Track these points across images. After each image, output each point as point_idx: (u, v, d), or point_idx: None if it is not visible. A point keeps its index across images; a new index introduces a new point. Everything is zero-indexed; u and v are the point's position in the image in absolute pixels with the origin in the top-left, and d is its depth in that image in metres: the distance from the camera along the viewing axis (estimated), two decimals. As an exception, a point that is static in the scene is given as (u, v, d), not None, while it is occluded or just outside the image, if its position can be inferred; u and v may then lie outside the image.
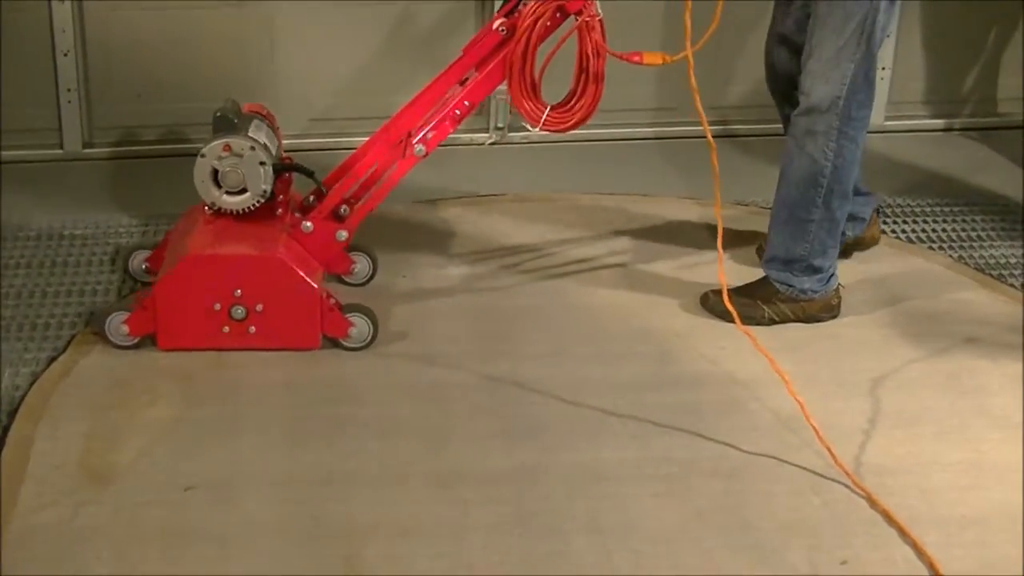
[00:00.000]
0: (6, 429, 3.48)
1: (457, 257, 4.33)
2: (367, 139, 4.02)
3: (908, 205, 4.75)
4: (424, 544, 3.16)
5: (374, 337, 3.85)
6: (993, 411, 3.70)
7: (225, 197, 3.81)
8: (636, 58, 3.69)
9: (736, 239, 4.43)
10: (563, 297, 4.15)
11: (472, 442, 3.50)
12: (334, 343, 3.84)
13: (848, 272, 4.31)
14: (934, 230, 4.63)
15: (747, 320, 3.82)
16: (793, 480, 3.41)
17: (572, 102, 3.73)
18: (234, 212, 3.83)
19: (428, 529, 3.20)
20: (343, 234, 3.86)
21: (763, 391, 3.72)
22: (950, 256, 4.46)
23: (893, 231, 4.61)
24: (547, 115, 3.73)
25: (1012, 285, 4.32)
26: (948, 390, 3.78)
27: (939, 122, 5.34)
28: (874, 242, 4.43)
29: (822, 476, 3.42)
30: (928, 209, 4.75)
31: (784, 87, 4.05)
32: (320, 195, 3.90)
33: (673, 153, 5.11)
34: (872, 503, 3.28)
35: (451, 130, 3.82)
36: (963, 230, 4.64)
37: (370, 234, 4.13)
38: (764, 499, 3.34)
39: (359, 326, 3.84)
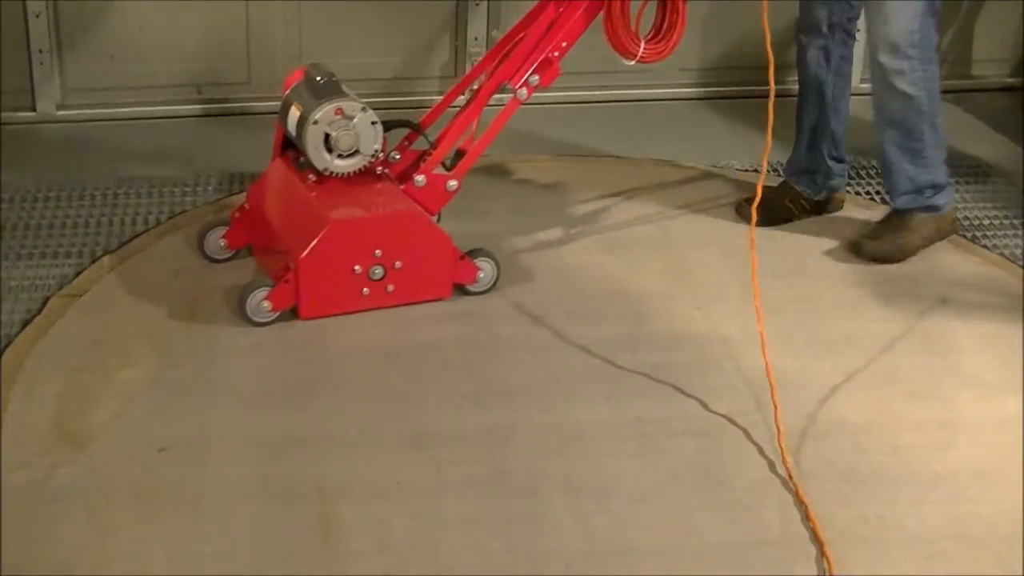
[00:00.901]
0: (-20, 391, 3.49)
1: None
2: (460, 82, 4.10)
3: (876, 166, 4.75)
4: (398, 504, 3.16)
5: (497, 279, 3.92)
6: (965, 370, 3.73)
7: (337, 161, 3.80)
8: None
9: (713, 202, 4.45)
10: (538, 259, 4.16)
11: (446, 402, 3.51)
12: (462, 291, 3.91)
13: (823, 234, 4.33)
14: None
15: (901, 254, 4.16)
16: (766, 439, 3.42)
17: (662, 32, 3.85)
18: (341, 175, 3.82)
19: (402, 489, 3.21)
20: (453, 184, 3.89)
21: (737, 351, 3.74)
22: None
23: (868, 192, 4.62)
24: (643, 49, 3.83)
25: (985, 246, 4.34)
26: (921, 350, 3.80)
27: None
28: (840, 205, 4.47)
29: (795, 435, 3.43)
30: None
31: (822, 32, 4.17)
32: (406, 150, 3.98)
33: (645, 115, 5.11)
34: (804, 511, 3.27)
35: (557, 73, 3.86)
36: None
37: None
38: (737, 458, 3.36)
39: (486, 270, 3.92)
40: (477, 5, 4.96)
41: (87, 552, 2.99)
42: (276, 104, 4.83)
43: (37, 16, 4.73)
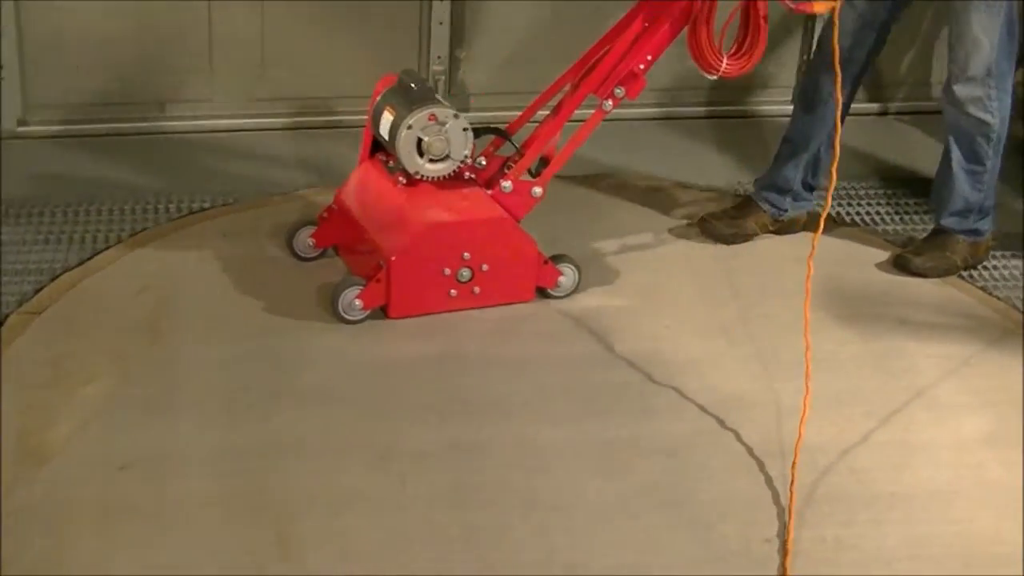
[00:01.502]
0: (-60, 407, 3.46)
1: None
2: (545, 92, 4.16)
3: (844, 187, 4.79)
4: (361, 518, 3.16)
5: (578, 285, 4.03)
6: (921, 391, 3.75)
7: (428, 165, 3.88)
8: (808, 7, 3.81)
9: (680, 220, 4.50)
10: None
11: (410, 416, 3.51)
12: (544, 294, 4.01)
13: (782, 253, 4.36)
14: (867, 212, 4.68)
15: (942, 272, 4.28)
16: (729, 458, 3.44)
17: (743, 48, 3.91)
18: (431, 179, 3.90)
19: (365, 502, 3.21)
20: (538, 191, 3.99)
21: (702, 371, 3.76)
22: (883, 238, 4.51)
23: (832, 213, 4.65)
24: (725, 63, 3.91)
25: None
26: (879, 370, 3.83)
27: (874, 106, 5.41)
28: (804, 226, 4.51)
29: (758, 454, 3.45)
30: (863, 191, 4.80)
31: (860, 65, 4.25)
32: (491, 156, 4.07)
33: (608, 134, 5.13)
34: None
35: (643, 85, 3.96)
36: (896, 212, 4.70)
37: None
38: (700, 477, 3.37)
39: (568, 275, 4.02)
40: (441, 24, 4.97)
41: (48, 569, 2.98)
42: (238, 121, 4.90)
43: (-1, 32, 4.72)
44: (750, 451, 3.46)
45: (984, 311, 4.16)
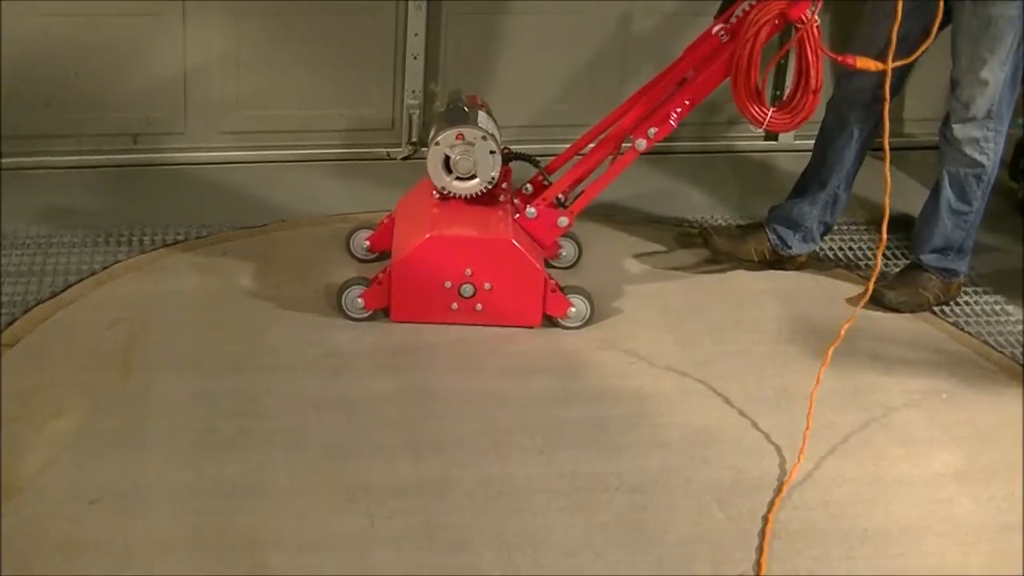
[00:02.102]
0: (-93, 441, 3.44)
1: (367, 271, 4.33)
2: (588, 132, 4.26)
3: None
4: (330, 557, 3.15)
5: (590, 317, 4.05)
6: (894, 427, 3.77)
7: (455, 183, 4.04)
8: (851, 61, 3.84)
9: (650, 255, 4.50)
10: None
11: (379, 455, 3.50)
12: (552, 322, 4.06)
13: (755, 288, 4.38)
14: (841, 248, 4.69)
15: (915, 307, 4.31)
16: (698, 495, 3.44)
17: (794, 103, 3.92)
18: (462, 197, 4.02)
19: (334, 542, 3.20)
20: (564, 220, 4.12)
21: (671, 406, 3.76)
22: (856, 274, 4.52)
23: (839, 254, 4.68)
24: (771, 117, 3.93)
25: (914, 304, 4.40)
26: (851, 406, 3.84)
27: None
28: (801, 266, 4.54)
29: (727, 491, 3.45)
30: (843, 227, 4.80)
31: (865, 101, 4.22)
32: (539, 184, 4.21)
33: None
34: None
35: (673, 127, 4.04)
36: (870, 248, 4.71)
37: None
38: (669, 513, 3.37)
39: (578, 307, 4.07)
40: (415, 59, 4.98)
41: (14, 605, 2.97)
42: (212, 155, 4.90)
43: (-29, 64, 4.70)
44: (719, 487, 3.46)
45: (955, 347, 4.17)
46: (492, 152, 4.01)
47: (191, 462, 3.43)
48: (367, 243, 4.33)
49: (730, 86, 3.94)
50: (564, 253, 4.39)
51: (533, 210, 4.09)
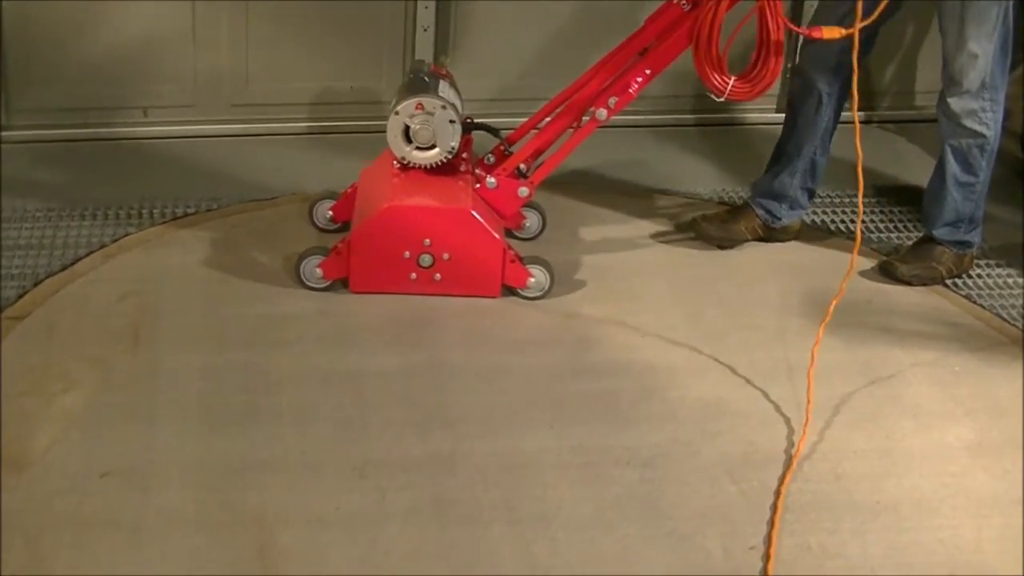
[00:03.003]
0: (-83, 416, 3.44)
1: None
2: (549, 103, 4.21)
3: (828, 195, 4.79)
4: (340, 532, 3.15)
5: (551, 288, 4.04)
6: (905, 400, 3.76)
7: (415, 152, 4.02)
8: (816, 32, 3.84)
9: (662, 230, 4.49)
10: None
11: (388, 430, 3.50)
12: (512, 292, 4.05)
13: (766, 261, 4.36)
14: (852, 220, 4.67)
15: (927, 281, 4.30)
16: (709, 468, 3.43)
17: (755, 72, 3.91)
18: (422, 167, 4.00)
19: (344, 517, 3.19)
20: (524, 191, 4.09)
21: (681, 380, 3.75)
22: (868, 247, 4.50)
23: (813, 221, 4.65)
24: (732, 86, 3.90)
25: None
26: (862, 378, 3.83)
27: (859, 114, 5.37)
28: (796, 234, 4.52)
29: (738, 464, 3.44)
30: (847, 199, 4.79)
31: (830, 66, 4.23)
32: (500, 153, 4.19)
33: (598, 142, 5.13)
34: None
35: (633, 97, 4.03)
36: (880, 220, 4.70)
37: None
38: (680, 487, 3.37)
39: (538, 277, 4.05)
40: (425, 31, 4.96)
41: (24, 579, 2.96)
42: (221, 128, 4.89)
43: (-18, 37, 4.70)
44: (730, 460, 3.45)
45: (968, 320, 4.16)
46: (452, 122, 3.99)
47: (201, 437, 3.43)
48: (330, 213, 4.32)
49: (692, 55, 3.92)
50: (528, 224, 4.38)
51: (493, 180, 4.06)
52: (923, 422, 3.67)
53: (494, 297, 4.04)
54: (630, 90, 4.00)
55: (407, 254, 3.97)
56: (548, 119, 4.20)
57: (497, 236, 4.01)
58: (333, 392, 3.63)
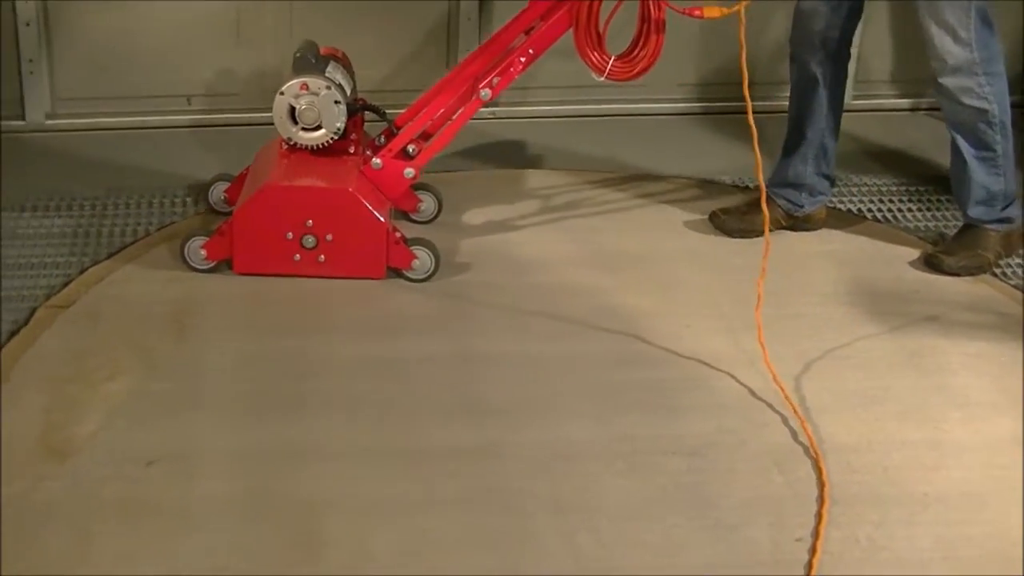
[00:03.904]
0: (-34, 402, 3.46)
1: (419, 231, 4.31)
2: (437, 83, 4.22)
3: (875, 184, 4.76)
4: (385, 520, 3.14)
5: (436, 270, 4.05)
6: (953, 390, 3.72)
7: (301, 133, 4.05)
8: (697, 12, 3.84)
9: (702, 217, 4.47)
10: (527, 275, 4.15)
11: (434, 418, 3.49)
12: (398, 274, 4.04)
13: (811, 250, 4.34)
14: (900, 209, 4.64)
15: (975, 271, 4.24)
16: (756, 458, 3.41)
17: (635, 52, 3.93)
18: (309, 147, 4.03)
19: (390, 505, 3.19)
20: (410, 172, 4.08)
21: (727, 369, 3.73)
22: (914, 235, 4.47)
23: (859, 209, 4.62)
24: (611, 65, 3.93)
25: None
26: (910, 369, 3.79)
27: (906, 102, 5.35)
28: (822, 222, 4.48)
29: (785, 454, 3.42)
30: (894, 188, 4.76)
31: (816, 44, 4.22)
32: (390, 135, 4.17)
33: (640, 129, 5.11)
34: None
35: (515, 76, 4.05)
36: (927, 209, 4.66)
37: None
38: (726, 477, 3.35)
39: (422, 259, 4.05)
40: (468, 20, 4.95)
41: (71, 567, 2.97)
42: (264, 115, 4.87)
43: (27, 24, 4.71)
44: (776, 451, 3.43)
45: (1016, 309, 4.10)
46: (337, 102, 4.00)
47: (246, 424, 3.43)
48: (224, 195, 4.31)
49: (573, 34, 3.93)
50: (423, 207, 4.36)
51: (379, 161, 4.05)
52: (971, 413, 3.63)
53: (379, 279, 4.03)
54: (512, 70, 4.02)
55: (290, 235, 3.96)
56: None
57: (381, 218, 3.99)
58: (379, 379, 3.63)
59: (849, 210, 4.61)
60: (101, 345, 3.70)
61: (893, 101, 5.29)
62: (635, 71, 3.97)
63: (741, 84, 3.73)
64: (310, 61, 4.05)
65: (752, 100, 4.97)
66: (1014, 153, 4.25)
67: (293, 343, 3.75)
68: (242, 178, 4.25)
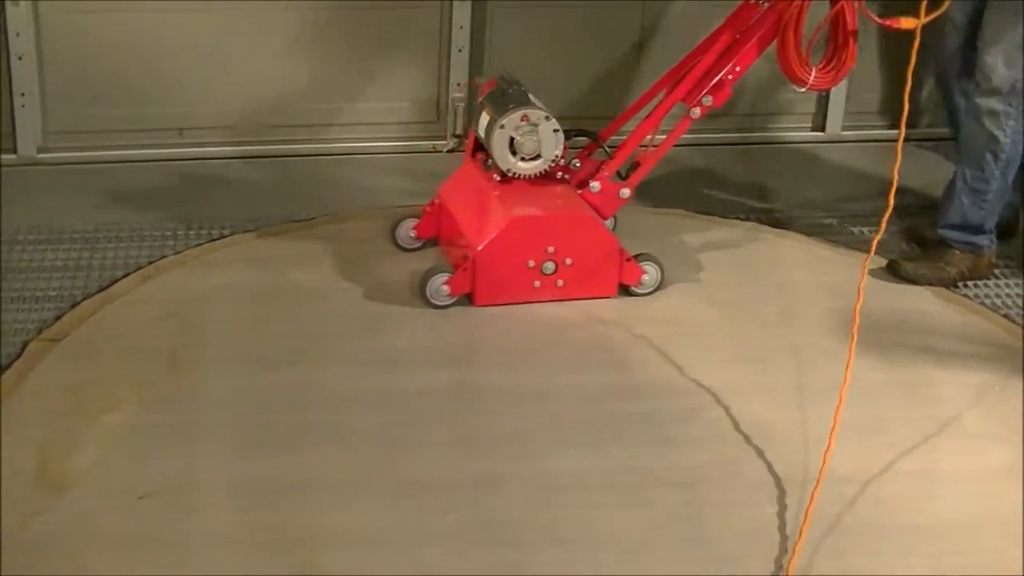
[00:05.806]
0: (-39, 436, 3.45)
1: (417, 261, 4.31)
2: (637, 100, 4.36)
3: (863, 214, 4.77)
4: (384, 553, 3.14)
5: (661, 282, 4.17)
6: (947, 421, 3.72)
7: (520, 164, 4.08)
8: (895, 23, 3.86)
9: (702, 249, 4.47)
10: (525, 307, 4.14)
11: (433, 450, 3.49)
12: (626, 290, 4.15)
13: (808, 281, 4.34)
14: (884, 239, 4.64)
15: (935, 282, 4.30)
16: (751, 489, 3.41)
17: (832, 61, 4.02)
18: (524, 177, 4.13)
19: (388, 537, 3.18)
20: (626, 192, 4.20)
21: (725, 400, 3.74)
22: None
23: (848, 242, 4.63)
24: (814, 76, 4.01)
25: (965, 296, 4.35)
26: (904, 400, 3.81)
27: (895, 132, 5.36)
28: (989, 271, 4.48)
29: (780, 485, 3.42)
30: (873, 217, 4.76)
31: (954, 75, 4.33)
32: (585, 159, 4.28)
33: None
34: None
35: (729, 94, 4.13)
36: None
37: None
38: (723, 508, 3.35)
39: (651, 273, 4.18)
40: (460, 51, 4.97)
41: (68, 599, 2.96)
42: (257, 148, 4.91)
43: (20, 58, 4.72)
44: (773, 482, 3.43)
45: (1008, 340, 4.12)
46: (556, 131, 4.09)
47: (243, 457, 3.43)
48: (413, 232, 4.35)
49: (776, 48, 3.99)
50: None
51: (597, 184, 4.15)
52: (966, 444, 3.64)
53: (611, 297, 4.13)
54: (722, 88, 4.09)
55: (532, 263, 4.06)
56: (638, 121, 4.27)
57: (616, 238, 4.11)
58: (377, 412, 3.62)
59: (837, 242, 4.62)
60: (97, 378, 3.69)
61: (883, 131, 5.31)
62: (836, 79, 4.05)
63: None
64: (524, 93, 4.15)
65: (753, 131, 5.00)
66: (1008, 196, 4.31)
67: (290, 375, 3.75)
68: (429, 214, 4.32)
